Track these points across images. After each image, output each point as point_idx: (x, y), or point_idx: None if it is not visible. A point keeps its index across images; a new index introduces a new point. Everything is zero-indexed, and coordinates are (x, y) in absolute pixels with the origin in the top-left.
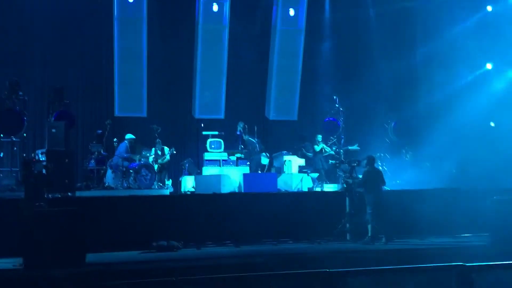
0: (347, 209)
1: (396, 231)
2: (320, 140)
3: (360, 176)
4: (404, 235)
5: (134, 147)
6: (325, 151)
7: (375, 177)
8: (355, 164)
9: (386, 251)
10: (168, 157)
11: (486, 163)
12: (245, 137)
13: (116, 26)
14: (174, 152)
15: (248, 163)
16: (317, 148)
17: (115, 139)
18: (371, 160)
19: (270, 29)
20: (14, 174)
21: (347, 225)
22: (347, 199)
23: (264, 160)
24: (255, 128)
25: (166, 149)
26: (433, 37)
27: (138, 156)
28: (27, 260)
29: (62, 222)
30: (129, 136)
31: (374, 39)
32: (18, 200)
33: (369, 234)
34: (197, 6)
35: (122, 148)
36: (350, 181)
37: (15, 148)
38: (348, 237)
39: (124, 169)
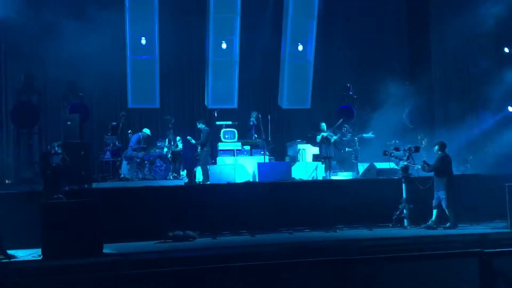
0: (404, 195)
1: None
2: (324, 129)
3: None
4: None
5: (149, 142)
6: (330, 137)
7: (448, 162)
8: (413, 150)
9: (411, 237)
10: (180, 145)
11: (504, 149)
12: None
13: (128, 17)
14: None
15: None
16: (318, 138)
17: (129, 131)
18: (443, 146)
19: (282, 16)
20: (32, 167)
21: (405, 211)
22: (403, 185)
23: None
24: (268, 117)
25: (178, 138)
26: (448, 21)
27: (153, 149)
28: (45, 251)
29: (80, 213)
30: (145, 130)
31: (388, 25)
32: (37, 192)
33: (433, 219)
34: None
35: (134, 139)
36: (416, 166)
37: (31, 141)
38: (406, 223)
39: (139, 160)
